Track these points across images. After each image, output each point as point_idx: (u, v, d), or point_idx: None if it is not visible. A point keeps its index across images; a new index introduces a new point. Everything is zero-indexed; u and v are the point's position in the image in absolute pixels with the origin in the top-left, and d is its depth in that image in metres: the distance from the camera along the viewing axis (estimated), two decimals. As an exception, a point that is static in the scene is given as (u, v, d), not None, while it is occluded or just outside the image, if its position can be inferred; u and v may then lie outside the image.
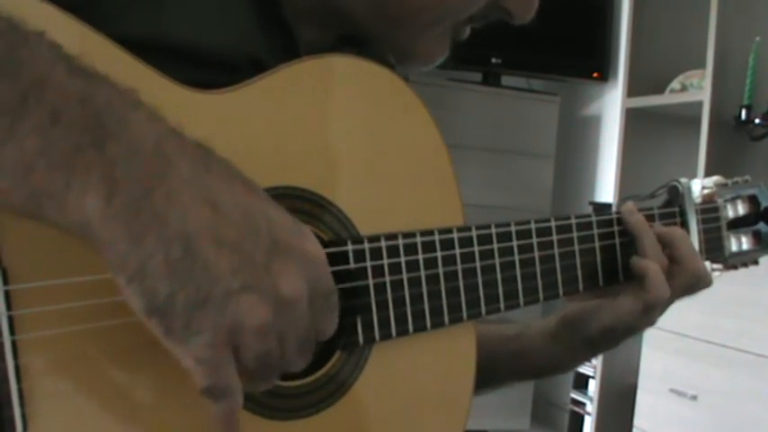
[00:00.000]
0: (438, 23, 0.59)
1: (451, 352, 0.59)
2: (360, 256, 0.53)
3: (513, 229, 0.60)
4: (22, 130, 0.35)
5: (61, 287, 0.41)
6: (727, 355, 1.87)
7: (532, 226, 0.62)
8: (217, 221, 0.39)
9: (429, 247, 0.56)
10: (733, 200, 0.74)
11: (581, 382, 2.61)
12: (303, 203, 0.52)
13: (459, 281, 0.57)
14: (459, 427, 0.59)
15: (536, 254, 0.62)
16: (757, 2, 2.20)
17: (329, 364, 0.53)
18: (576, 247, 0.64)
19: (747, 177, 0.76)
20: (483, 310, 0.59)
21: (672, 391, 2.01)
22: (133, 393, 0.45)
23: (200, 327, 0.38)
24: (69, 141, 0.36)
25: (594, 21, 2.78)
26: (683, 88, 2.34)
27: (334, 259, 0.52)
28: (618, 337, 0.67)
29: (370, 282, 0.53)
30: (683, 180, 0.71)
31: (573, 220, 0.64)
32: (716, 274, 0.74)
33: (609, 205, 2.54)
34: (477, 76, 2.76)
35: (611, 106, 2.78)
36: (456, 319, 0.57)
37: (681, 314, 1.92)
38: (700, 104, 2.18)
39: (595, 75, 2.78)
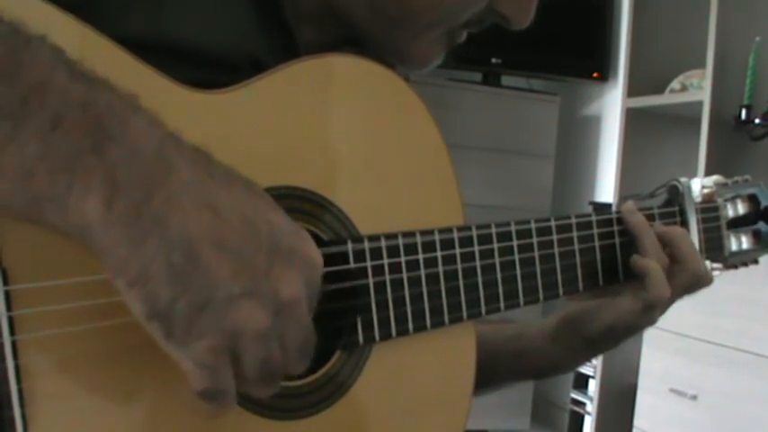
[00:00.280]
0: (435, 26, 0.59)
1: (451, 352, 0.59)
2: (360, 255, 0.53)
3: (513, 228, 0.60)
4: (23, 133, 0.35)
5: (61, 287, 0.41)
6: (727, 355, 1.87)
7: (532, 226, 0.62)
8: (217, 226, 0.39)
9: (429, 246, 0.56)
10: (733, 199, 0.74)
11: (581, 382, 2.61)
12: (303, 203, 0.52)
13: (460, 280, 0.57)
14: (459, 427, 0.59)
15: (536, 253, 0.62)
16: (757, 2, 2.20)
17: (329, 365, 0.53)
18: (576, 247, 0.64)
19: (747, 177, 0.76)
20: (483, 309, 0.59)
21: (672, 391, 2.01)
22: (133, 393, 0.45)
23: (201, 331, 0.38)
24: (70, 145, 0.36)
25: (594, 21, 2.78)
26: (683, 88, 2.34)
27: (334, 259, 0.52)
28: (618, 337, 0.67)
29: (370, 281, 0.53)
30: (683, 179, 0.71)
31: (573, 220, 0.64)
32: (716, 273, 0.74)
33: (609, 205, 2.54)
34: (478, 76, 2.76)
35: (611, 106, 2.78)
36: (456, 319, 0.57)
37: (681, 314, 1.92)
38: (700, 104, 2.18)
39: (595, 75, 2.78)
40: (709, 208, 0.72)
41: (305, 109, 0.52)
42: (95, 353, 0.43)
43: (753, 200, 0.76)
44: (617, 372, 2.44)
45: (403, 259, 0.55)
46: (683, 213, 0.71)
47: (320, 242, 0.52)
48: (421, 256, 0.56)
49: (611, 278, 0.67)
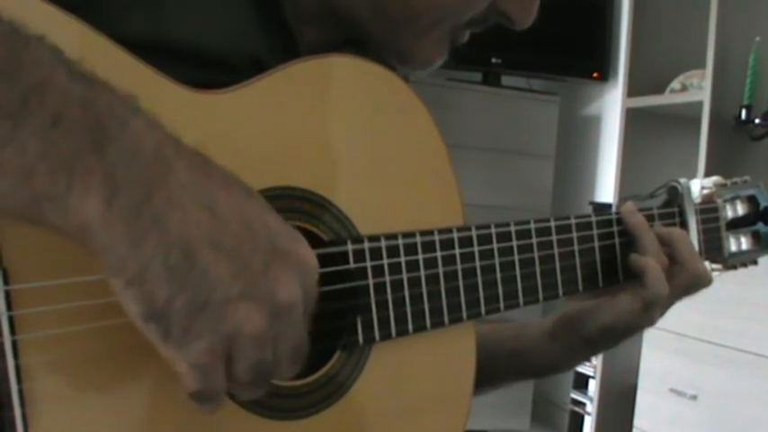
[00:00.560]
0: (437, 26, 0.59)
1: (451, 352, 0.59)
2: (360, 255, 0.53)
3: (512, 229, 0.60)
4: (23, 133, 0.35)
5: (61, 287, 0.41)
6: (727, 355, 1.87)
7: (532, 226, 0.62)
8: (216, 227, 0.39)
9: (429, 246, 0.56)
10: (732, 200, 0.74)
11: (581, 382, 2.61)
12: (303, 203, 0.52)
13: (459, 281, 0.57)
14: (459, 426, 0.59)
15: (536, 254, 0.62)
16: (757, 2, 2.20)
17: (329, 365, 0.53)
18: (576, 248, 0.64)
19: (747, 177, 0.76)
20: (483, 310, 0.59)
21: (672, 391, 2.01)
22: (133, 393, 0.45)
23: (198, 332, 0.38)
24: (70, 145, 0.36)
25: (594, 21, 2.78)
26: (683, 88, 2.34)
27: (334, 259, 0.52)
28: (617, 337, 0.67)
29: (370, 281, 0.54)
30: (683, 180, 0.71)
31: (573, 221, 0.64)
32: (715, 274, 0.74)
33: (609, 205, 2.54)
34: (478, 76, 2.76)
35: (611, 106, 2.78)
36: (456, 319, 0.57)
37: (681, 314, 1.92)
38: (700, 104, 2.18)
39: (595, 75, 2.78)
40: (708, 209, 0.72)
41: (305, 109, 0.52)
42: (96, 353, 0.43)
43: (752, 201, 0.76)
44: (617, 372, 2.44)
45: (403, 260, 0.55)
46: (682, 214, 0.71)
47: (320, 242, 0.52)
48: (421, 257, 0.56)
49: (611, 279, 0.67)
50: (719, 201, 0.73)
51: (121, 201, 0.37)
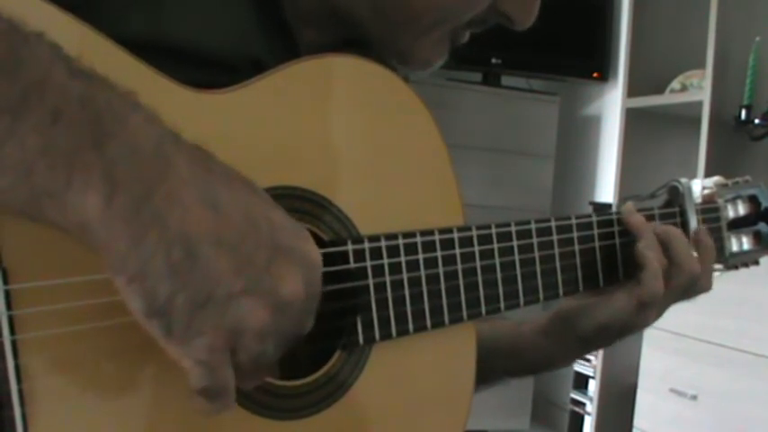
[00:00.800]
0: (437, 27, 0.58)
1: (452, 352, 0.59)
2: (360, 255, 0.53)
3: (513, 229, 0.60)
4: (22, 129, 0.35)
5: (61, 287, 0.41)
6: (727, 355, 1.87)
7: (532, 226, 0.62)
8: (217, 222, 0.39)
9: (429, 246, 0.56)
10: (733, 200, 0.74)
11: (581, 382, 2.61)
12: (303, 203, 0.52)
13: (460, 280, 0.57)
14: (460, 426, 0.59)
15: (536, 254, 0.62)
16: (757, 2, 2.20)
17: (329, 364, 0.53)
18: (577, 247, 0.64)
19: (748, 177, 0.76)
20: (483, 309, 0.59)
21: (672, 391, 2.01)
22: (133, 393, 0.45)
23: (201, 328, 0.38)
24: (70, 141, 0.36)
25: (594, 21, 2.78)
26: (683, 88, 2.34)
27: (334, 259, 0.52)
28: (612, 336, 0.67)
29: (371, 281, 0.54)
30: (684, 180, 0.71)
31: (573, 221, 0.64)
32: (716, 274, 0.74)
33: (609, 205, 2.54)
34: (478, 76, 2.76)
35: (611, 106, 2.78)
36: (456, 319, 0.57)
37: (681, 314, 1.92)
38: (700, 104, 2.18)
39: (595, 75, 2.78)
40: (709, 209, 0.72)
41: (305, 109, 0.52)
42: (95, 352, 0.43)
43: (753, 201, 0.76)
44: (617, 372, 2.44)
45: (403, 259, 0.55)
46: (683, 214, 0.71)
47: (320, 242, 0.52)
48: (421, 257, 0.56)
49: (612, 278, 0.67)
50: (720, 201, 0.73)
51: (121, 197, 0.36)
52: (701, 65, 2.22)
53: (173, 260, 0.37)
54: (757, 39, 2.11)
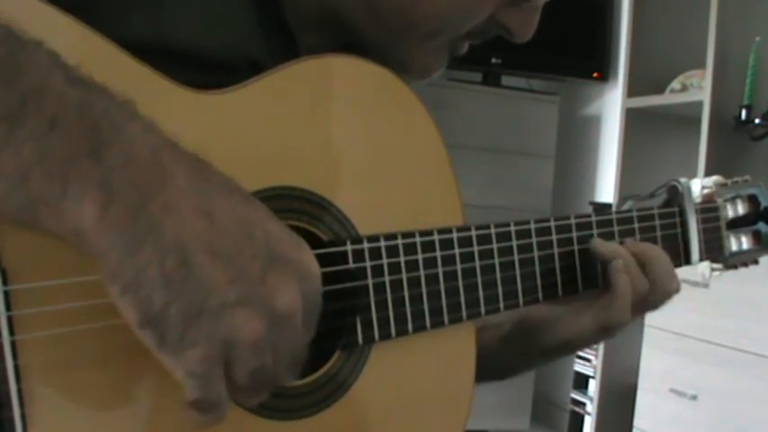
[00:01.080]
0: (436, 36, 0.58)
1: (451, 352, 0.59)
2: (359, 256, 0.53)
3: (512, 229, 0.60)
4: (19, 136, 0.35)
5: (61, 287, 0.41)
6: (727, 355, 1.87)
7: (532, 226, 0.62)
8: (213, 232, 0.38)
9: (428, 246, 0.56)
10: (733, 199, 0.74)
11: (581, 382, 2.61)
12: (302, 204, 0.52)
13: (459, 281, 0.57)
14: (459, 426, 0.59)
15: (535, 254, 0.62)
16: (757, 2, 2.20)
17: (329, 365, 0.53)
18: (576, 247, 0.64)
19: (747, 177, 0.76)
20: (482, 310, 0.59)
21: (672, 391, 2.01)
22: (133, 393, 0.45)
23: (194, 338, 0.38)
24: (66, 149, 0.36)
25: (594, 21, 2.78)
26: (683, 88, 2.34)
27: (333, 259, 0.52)
28: (574, 350, 0.67)
29: (370, 282, 0.54)
30: (683, 180, 0.71)
31: (572, 220, 0.64)
32: (716, 273, 0.74)
33: (609, 205, 2.54)
34: (478, 76, 2.76)
35: (611, 106, 2.78)
36: (455, 319, 0.57)
37: (681, 314, 1.93)
38: (700, 104, 2.18)
39: (595, 75, 2.78)
40: (708, 208, 0.72)
41: (304, 109, 0.52)
42: (95, 353, 0.43)
43: (753, 200, 0.76)
44: (617, 372, 2.44)
45: (402, 260, 0.55)
46: (682, 213, 0.71)
47: (320, 243, 0.52)
48: (420, 257, 0.56)
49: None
50: (720, 200, 0.73)
51: (117, 206, 0.36)
52: (701, 65, 2.22)
53: (167, 270, 0.37)
54: (757, 39, 2.11)
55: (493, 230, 0.59)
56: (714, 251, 0.73)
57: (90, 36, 0.44)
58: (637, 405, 2.17)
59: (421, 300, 0.56)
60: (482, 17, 0.58)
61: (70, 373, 0.42)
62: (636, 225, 0.68)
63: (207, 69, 0.50)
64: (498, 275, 0.60)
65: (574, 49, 2.78)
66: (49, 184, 0.36)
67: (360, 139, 0.55)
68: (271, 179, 0.50)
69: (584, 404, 2.58)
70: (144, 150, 0.38)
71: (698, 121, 2.18)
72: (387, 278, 0.54)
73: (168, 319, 0.37)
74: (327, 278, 0.51)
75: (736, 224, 0.75)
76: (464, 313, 0.58)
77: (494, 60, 2.68)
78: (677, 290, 0.65)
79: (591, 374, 2.54)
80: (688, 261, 0.71)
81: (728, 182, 0.74)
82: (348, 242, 0.53)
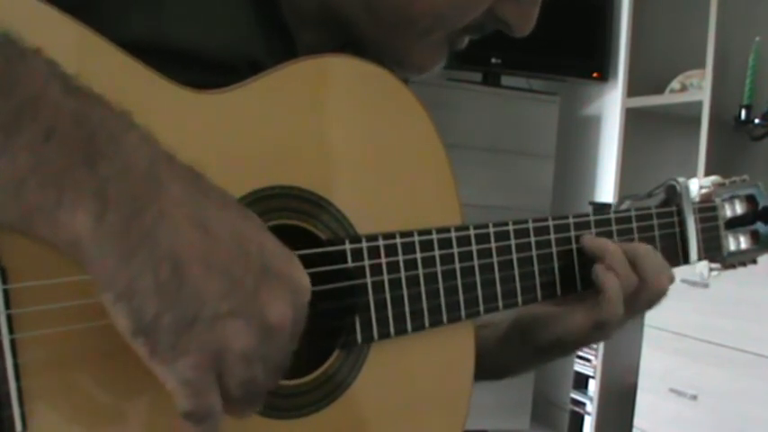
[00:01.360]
0: (433, 31, 0.58)
1: (450, 351, 0.59)
2: (358, 254, 0.53)
3: (510, 228, 0.61)
4: (15, 145, 0.35)
5: (60, 286, 0.42)
6: (727, 355, 1.87)
7: (530, 225, 0.62)
8: (207, 244, 0.39)
9: (427, 245, 0.56)
10: (731, 199, 0.74)
11: (581, 382, 2.61)
12: (301, 203, 0.52)
13: (458, 280, 0.58)
14: (458, 426, 0.59)
15: (534, 253, 0.62)
16: (757, 2, 2.20)
17: (327, 364, 0.53)
18: (574, 246, 0.64)
19: (745, 177, 0.76)
20: (481, 309, 0.59)
21: (672, 390, 2.01)
22: (131, 391, 0.45)
23: (186, 348, 0.38)
24: (62, 159, 0.36)
25: (594, 21, 2.78)
26: (683, 88, 2.34)
27: (332, 258, 0.52)
28: (568, 349, 0.67)
29: (368, 281, 0.54)
30: (681, 179, 0.71)
31: (570, 220, 0.65)
32: (714, 273, 0.75)
33: (609, 205, 2.54)
34: (478, 76, 2.76)
35: (611, 106, 2.78)
36: (454, 318, 0.58)
37: (681, 314, 1.93)
38: (700, 104, 2.18)
39: (595, 75, 2.78)
40: (706, 208, 0.72)
41: (302, 109, 0.53)
42: (94, 351, 0.43)
43: (751, 200, 0.76)
44: (617, 372, 2.44)
45: (401, 258, 0.55)
46: (680, 213, 0.71)
47: (318, 242, 0.52)
48: (419, 256, 0.56)
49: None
50: (718, 200, 0.73)
51: (111, 216, 0.36)
52: (701, 65, 2.22)
53: (161, 279, 0.37)
54: (757, 39, 2.11)
55: (491, 230, 0.59)
56: (712, 250, 0.73)
57: (89, 36, 0.44)
58: (637, 405, 2.17)
59: (420, 299, 0.56)
60: (479, 12, 0.58)
61: (70, 372, 0.43)
62: (634, 224, 0.68)
63: (207, 69, 0.50)
64: (497, 274, 0.60)
65: (574, 49, 2.78)
66: (44, 194, 0.36)
67: (358, 139, 0.55)
68: (269, 178, 0.50)
69: (584, 404, 2.58)
70: (140, 161, 0.38)
71: (698, 121, 2.18)
72: (385, 277, 0.54)
73: (160, 329, 0.37)
74: (326, 277, 0.51)
75: (735, 224, 0.75)
76: (463, 312, 0.58)
77: (494, 60, 2.68)
78: (670, 283, 0.65)
79: (591, 374, 2.54)
80: (686, 260, 0.71)
81: (726, 182, 0.75)
82: (347, 241, 0.53)
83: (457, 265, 0.57)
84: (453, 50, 0.62)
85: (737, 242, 0.75)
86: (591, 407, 2.51)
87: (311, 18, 0.60)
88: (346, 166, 0.54)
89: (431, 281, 0.56)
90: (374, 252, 0.54)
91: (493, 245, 0.59)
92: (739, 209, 0.75)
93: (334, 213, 0.53)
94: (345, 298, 0.53)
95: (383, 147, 0.56)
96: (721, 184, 0.74)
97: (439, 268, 0.57)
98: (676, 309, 1.87)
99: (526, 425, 2.77)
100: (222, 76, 0.50)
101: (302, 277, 0.43)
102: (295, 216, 0.51)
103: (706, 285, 1.80)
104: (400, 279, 0.55)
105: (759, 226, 0.75)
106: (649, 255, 0.64)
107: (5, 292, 0.40)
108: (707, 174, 1.80)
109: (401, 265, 0.55)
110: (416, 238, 0.56)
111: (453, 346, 0.59)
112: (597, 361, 2.46)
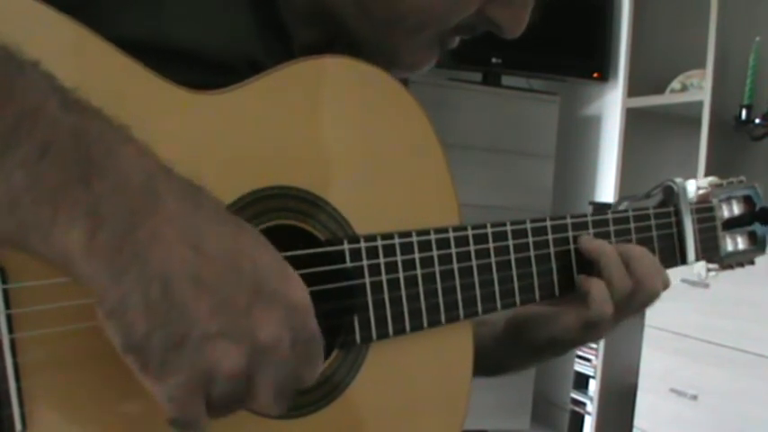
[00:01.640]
0: (423, 29, 0.58)
1: (448, 351, 0.59)
2: (356, 255, 0.53)
3: (508, 228, 0.61)
4: (10, 162, 0.35)
5: (60, 286, 0.42)
6: (727, 355, 1.87)
7: (528, 225, 0.62)
8: (199, 263, 0.38)
9: (425, 246, 0.56)
10: (728, 200, 0.75)
11: (581, 382, 2.61)
12: (299, 203, 0.52)
13: (456, 280, 0.58)
14: (457, 426, 0.59)
15: (532, 253, 0.62)
16: (757, 2, 2.20)
17: (326, 364, 0.53)
18: (572, 247, 0.64)
19: (742, 178, 0.76)
20: (479, 309, 0.59)
21: (672, 391, 2.01)
22: (131, 391, 0.45)
23: (175, 368, 0.38)
24: (57, 176, 0.36)
25: (594, 21, 2.78)
26: (684, 88, 2.34)
27: (330, 258, 0.53)
28: (564, 348, 0.67)
29: (367, 281, 0.54)
30: (678, 180, 0.71)
31: (568, 220, 0.65)
32: (712, 273, 0.75)
33: (609, 205, 2.54)
34: (478, 76, 2.76)
35: (611, 106, 2.78)
36: (452, 318, 0.58)
37: (681, 314, 1.93)
38: (700, 104, 2.18)
39: (595, 75, 2.78)
40: (704, 208, 0.73)
41: (300, 109, 0.53)
42: (94, 351, 0.43)
43: (748, 201, 0.76)
44: (617, 372, 2.44)
45: (399, 258, 0.55)
46: (678, 214, 0.71)
47: (316, 242, 0.53)
48: (417, 256, 0.56)
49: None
50: (715, 201, 0.73)
51: (105, 233, 0.36)
52: (701, 65, 2.22)
53: (150, 298, 0.37)
54: (757, 39, 2.11)
55: (489, 230, 0.60)
56: (710, 251, 0.73)
57: (87, 36, 0.44)
58: (637, 405, 2.17)
59: (418, 299, 0.56)
60: (470, 11, 0.58)
61: (69, 372, 0.43)
62: (632, 225, 0.68)
63: (206, 69, 0.50)
64: (495, 275, 0.60)
65: (574, 49, 2.78)
66: (39, 212, 0.36)
67: (356, 139, 0.55)
68: (267, 179, 0.50)
69: (584, 404, 2.58)
70: (136, 175, 0.38)
71: (698, 121, 2.18)
72: (384, 277, 0.54)
73: (150, 347, 0.37)
74: (325, 277, 0.52)
75: (732, 225, 0.75)
76: (461, 312, 0.58)
77: (494, 60, 2.69)
78: (665, 287, 0.65)
79: (591, 374, 2.54)
80: (684, 261, 0.72)
81: (723, 182, 0.75)
82: (345, 241, 0.53)
83: (455, 266, 0.58)
84: (445, 50, 0.62)
85: (735, 243, 0.75)
86: (591, 407, 2.51)
87: (305, 16, 0.60)
88: (345, 166, 0.54)
89: (429, 281, 0.56)
90: (372, 252, 0.54)
91: (491, 245, 0.60)
92: (736, 210, 0.75)
93: (333, 213, 0.53)
94: (344, 298, 0.53)
95: (381, 147, 0.56)
96: (718, 185, 0.74)
97: (437, 268, 0.57)
98: (676, 309, 1.87)
99: (526, 425, 2.77)
100: (221, 77, 0.50)
101: (298, 294, 0.42)
102: (293, 216, 0.52)
103: (706, 285, 1.81)
104: (398, 279, 0.55)
105: (756, 227, 0.75)
106: (644, 257, 0.64)
107: (5, 292, 0.40)
108: (707, 174, 1.80)
109: (399, 265, 0.55)
110: (415, 239, 0.56)
111: (452, 346, 0.59)
112: (597, 361, 2.46)
